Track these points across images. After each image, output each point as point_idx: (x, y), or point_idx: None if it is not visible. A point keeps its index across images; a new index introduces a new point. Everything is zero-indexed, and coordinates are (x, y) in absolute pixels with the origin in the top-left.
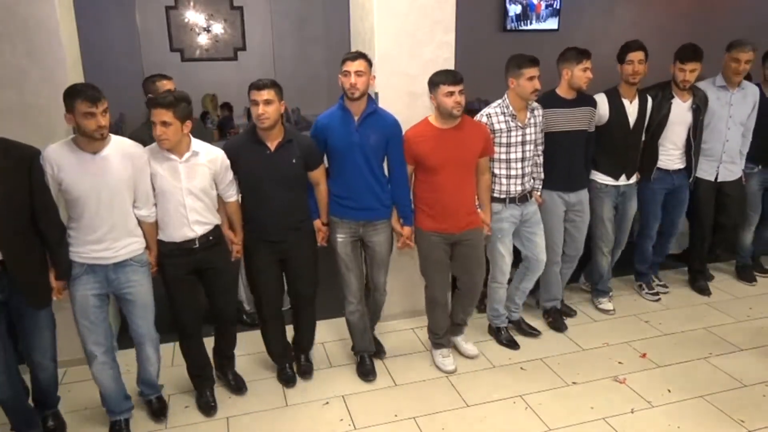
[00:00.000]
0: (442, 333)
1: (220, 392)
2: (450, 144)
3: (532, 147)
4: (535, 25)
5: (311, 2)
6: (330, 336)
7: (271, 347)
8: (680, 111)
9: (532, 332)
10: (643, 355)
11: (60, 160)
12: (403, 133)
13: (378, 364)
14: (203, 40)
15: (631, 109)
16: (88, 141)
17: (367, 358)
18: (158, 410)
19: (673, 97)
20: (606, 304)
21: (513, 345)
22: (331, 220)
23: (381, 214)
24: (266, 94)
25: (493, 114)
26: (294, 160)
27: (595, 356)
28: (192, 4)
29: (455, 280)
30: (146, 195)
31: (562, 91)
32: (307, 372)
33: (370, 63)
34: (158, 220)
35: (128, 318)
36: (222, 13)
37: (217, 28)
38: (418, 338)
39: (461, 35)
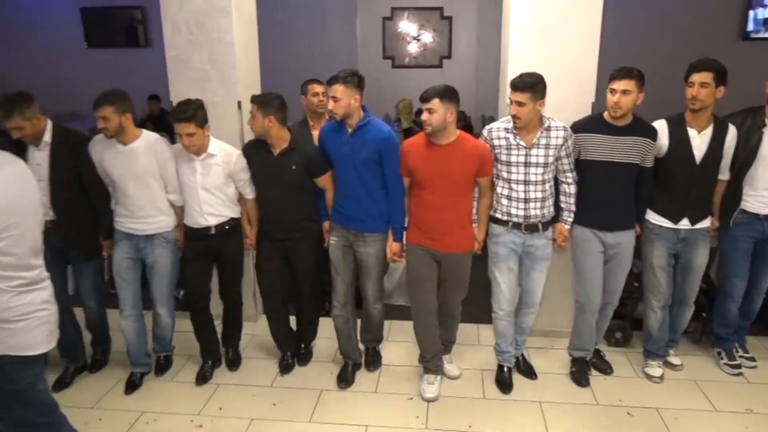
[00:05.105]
0: (428, 357)
1: (323, 367)
2: (439, 160)
3: (540, 171)
4: None
5: None
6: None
7: (274, 335)
8: None
9: (529, 374)
10: None
11: (98, 149)
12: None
13: (475, 374)
14: (413, 48)
15: (699, 140)
16: None
17: (349, 365)
18: (163, 366)
19: (765, 125)
20: (654, 369)
21: (504, 387)
22: (330, 223)
23: (370, 226)
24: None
25: (495, 129)
26: (294, 167)
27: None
28: (406, 15)
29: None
30: (173, 183)
31: (608, 115)
32: (304, 359)
33: (354, 85)
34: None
35: (149, 281)
36: (432, 23)
37: (427, 37)
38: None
39: (687, 44)
